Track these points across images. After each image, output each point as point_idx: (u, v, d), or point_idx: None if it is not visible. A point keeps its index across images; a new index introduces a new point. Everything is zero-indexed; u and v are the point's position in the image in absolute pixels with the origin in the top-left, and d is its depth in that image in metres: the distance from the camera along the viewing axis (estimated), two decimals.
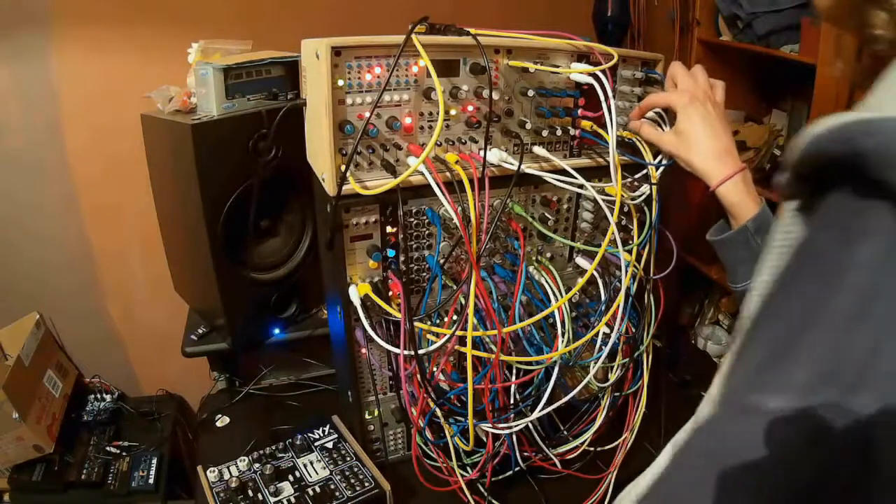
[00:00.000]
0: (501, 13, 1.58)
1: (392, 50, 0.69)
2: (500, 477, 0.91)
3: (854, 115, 0.27)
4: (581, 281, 0.84)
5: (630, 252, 0.82)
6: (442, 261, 0.82)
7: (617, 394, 0.93)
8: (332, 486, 0.84)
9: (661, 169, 0.81)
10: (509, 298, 0.83)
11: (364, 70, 0.70)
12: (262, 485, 0.84)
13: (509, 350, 0.85)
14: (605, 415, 0.92)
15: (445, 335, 0.76)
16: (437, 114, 0.73)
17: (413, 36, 0.68)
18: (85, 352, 1.45)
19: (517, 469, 0.91)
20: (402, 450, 0.97)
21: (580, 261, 0.92)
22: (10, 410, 1.09)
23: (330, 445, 0.93)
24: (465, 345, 0.75)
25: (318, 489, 0.84)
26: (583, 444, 0.93)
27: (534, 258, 0.90)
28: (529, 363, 0.82)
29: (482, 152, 0.75)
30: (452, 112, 0.76)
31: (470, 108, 0.77)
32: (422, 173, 0.71)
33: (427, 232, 0.81)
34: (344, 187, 0.71)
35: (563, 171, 0.78)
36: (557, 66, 0.78)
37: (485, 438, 0.86)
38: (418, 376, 0.78)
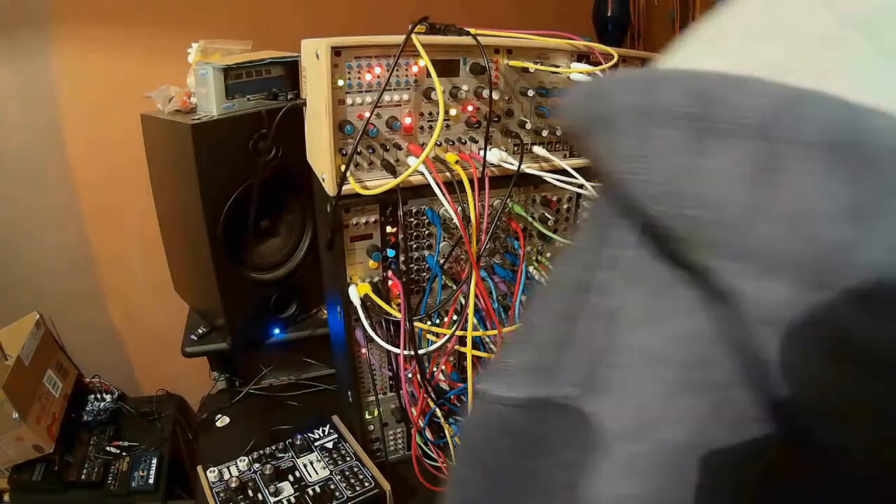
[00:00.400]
0: (504, 13, 1.58)
1: (392, 50, 0.69)
2: None
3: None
4: None
5: None
6: (442, 261, 0.82)
7: None
8: (332, 486, 0.84)
9: None
10: (509, 298, 0.83)
11: (364, 70, 0.70)
12: (262, 485, 0.84)
13: None
14: None
15: (445, 335, 0.76)
16: (437, 114, 0.73)
17: (413, 36, 0.68)
18: (85, 352, 1.45)
19: None
20: (402, 450, 0.97)
21: None
22: (10, 410, 1.09)
23: (330, 445, 0.93)
24: (465, 345, 0.75)
25: (318, 489, 0.84)
26: None
27: (534, 258, 0.90)
28: None
29: (482, 152, 0.75)
30: (452, 112, 0.76)
31: (470, 108, 0.77)
32: (422, 173, 0.72)
33: (427, 232, 0.81)
34: (344, 187, 0.71)
35: (563, 171, 0.78)
36: (557, 66, 0.78)
37: None
38: (418, 376, 0.78)
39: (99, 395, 1.37)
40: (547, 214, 0.87)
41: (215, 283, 1.01)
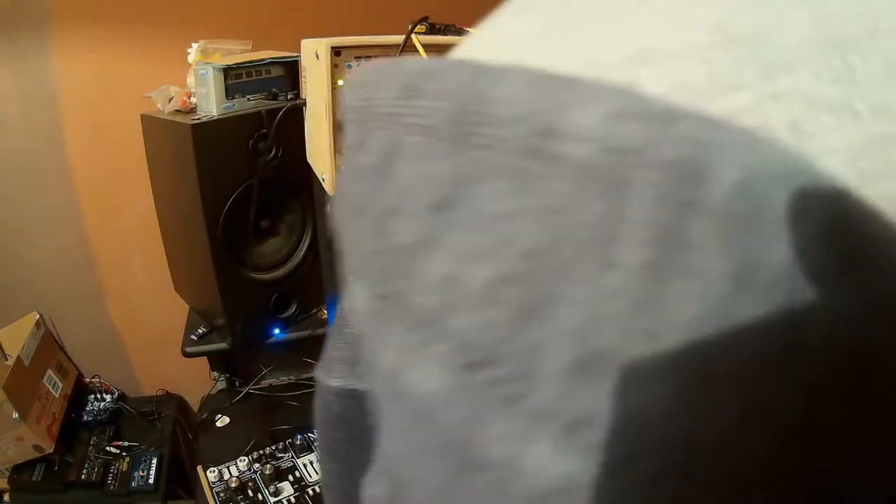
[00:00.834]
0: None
1: (392, 50, 0.69)
2: None
3: None
4: None
5: None
6: None
7: None
8: None
9: None
10: None
11: None
12: (262, 485, 0.84)
13: None
14: None
15: None
16: None
17: (413, 36, 0.68)
18: (85, 352, 1.45)
19: None
20: None
21: None
22: (10, 410, 1.09)
23: None
24: None
25: (318, 489, 0.84)
26: None
27: None
28: None
29: None
30: None
31: None
32: None
33: None
34: None
35: None
36: None
37: None
38: None
39: (99, 395, 1.37)
40: None
41: (215, 283, 1.01)
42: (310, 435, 0.94)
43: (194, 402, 1.48)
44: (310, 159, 0.82)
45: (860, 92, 0.10)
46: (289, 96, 1.01)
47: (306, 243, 1.13)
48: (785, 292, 0.09)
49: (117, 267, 1.45)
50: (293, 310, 1.17)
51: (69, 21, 1.24)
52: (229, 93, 0.95)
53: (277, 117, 0.85)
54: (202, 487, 0.84)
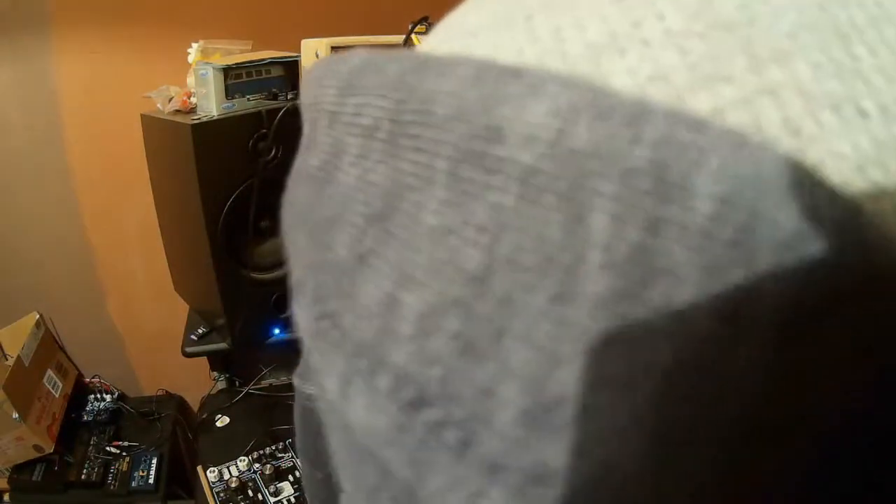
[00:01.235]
0: None
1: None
2: None
3: None
4: None
5: None
6: None
7: None
8: None
9: None
10: None
11: None
12: (262, 485, 0.84)
13: None
14: None
15: None
16: None
17: (413, 36, 0.68)
18: (85, 352, 1.45)
19: None
20: None
21: None
22: (10, 410, 1.09)
23: None
24: None
25: None
26: None
27: None
28: None
29: None
30: None
31: None
32: None
33: None
34: None
35: None
36: None
37: None
38: None
39: (99, 395, 1.37)
40: None
41: (215, 283, 1.01)
42: None
43: (194, 402, 1.48)
44: None
45: (868, 88, 0.09)
46: (289, 96, 1.01)
47: None
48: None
49: (117, 267, 1.46)
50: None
51: (69, 21, 1.24)
52: (229, 93, 0.95)
53: (277, 117, 0.85)
54: (202, 487, 0.84)
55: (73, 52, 1.26)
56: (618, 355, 0.08)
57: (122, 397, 1.41)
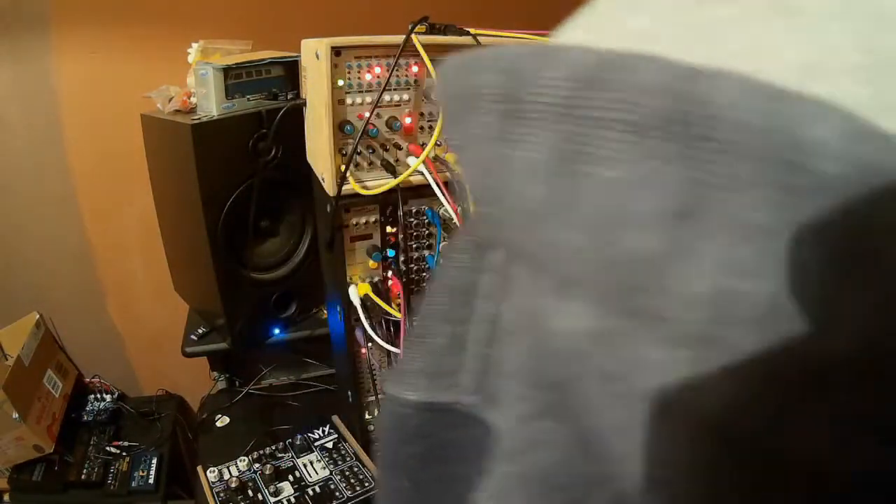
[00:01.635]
0: (505, 12, 1.58)
1: (392, 50, 0.69)
2: None
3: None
4: None
5: None
6: None
7: None
8: (332, 486, 0.84)
9: None
10: None
11: (364, 70, 0.70)
12: (262, 485, 0.84)
13: None
14: None
15: None
16: (437, 114, 0.73)
17: (413, 36, 0.68)
18: (85, 352, 1.45)
19: None
20: None
21: None
22: (10, 410, 1.09)
23: (330, 445, 0.93)
24: None
25: (318, 489, 0.84)
26: None
27: None
28: None
29: None
30: None
31: None
32: (422, 173, 0.71)
33: (427, 232, 0.81)
34: (344, 187, 0.71)
35: None
36: None
37: None
38: None
39: (99, 395, 1.37)
40: None
41: (215, 283, 1.01)
42: (310, 435, 0.94)
43: (194, 402, 1.48)
44: (310, 159, 0.82)
45: None
46: (289, 96, 1.01)
47: (306, 243, 1.13)
48: None
49: (117, 267, 1.46)
50: (293, 310, 1.17)
51: (69, 21, 1.24)
52: (229, 93, 0.95)
53: (277, 117, 0.85)
54: (202, 487, 0.84)
55: (73, 52, 1.26)
56: None
57: (122, 397, 1.41)
